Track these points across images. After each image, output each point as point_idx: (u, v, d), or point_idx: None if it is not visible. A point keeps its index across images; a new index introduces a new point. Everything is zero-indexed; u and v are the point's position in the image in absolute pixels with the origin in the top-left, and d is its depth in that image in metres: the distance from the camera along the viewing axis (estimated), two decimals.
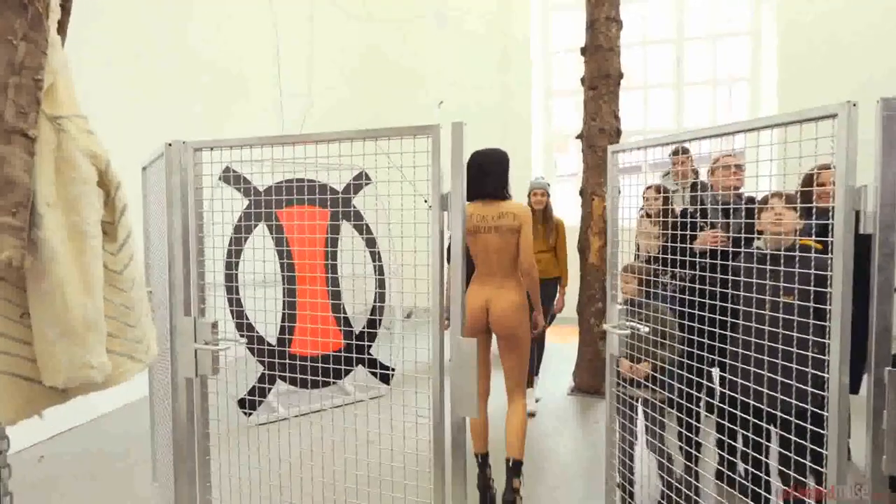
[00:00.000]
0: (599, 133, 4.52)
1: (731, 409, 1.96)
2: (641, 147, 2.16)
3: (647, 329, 2.16)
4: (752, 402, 1.83)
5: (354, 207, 4.57)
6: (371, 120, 7.61)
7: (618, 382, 2.40)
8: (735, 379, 1.92)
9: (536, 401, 4.29)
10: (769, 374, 1.76)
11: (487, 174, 2.75)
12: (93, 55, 4.48)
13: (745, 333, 1.92)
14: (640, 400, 2.47)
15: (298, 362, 4.04)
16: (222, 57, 5.70)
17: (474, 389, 1.68)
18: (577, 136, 4.76)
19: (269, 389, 4.03)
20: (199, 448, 2.02)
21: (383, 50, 7.94)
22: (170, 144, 2.11)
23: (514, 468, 2.61)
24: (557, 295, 4.23)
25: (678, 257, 2.15)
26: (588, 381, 4.51)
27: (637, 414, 2.52)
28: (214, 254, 2.21)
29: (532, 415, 4.08)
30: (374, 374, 4.41)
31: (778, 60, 6.67)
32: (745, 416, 1.86)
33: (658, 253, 2.63)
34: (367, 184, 4.66)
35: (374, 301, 4.53)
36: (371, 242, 4.60)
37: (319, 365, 4.13)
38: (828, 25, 6.37)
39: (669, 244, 2.29)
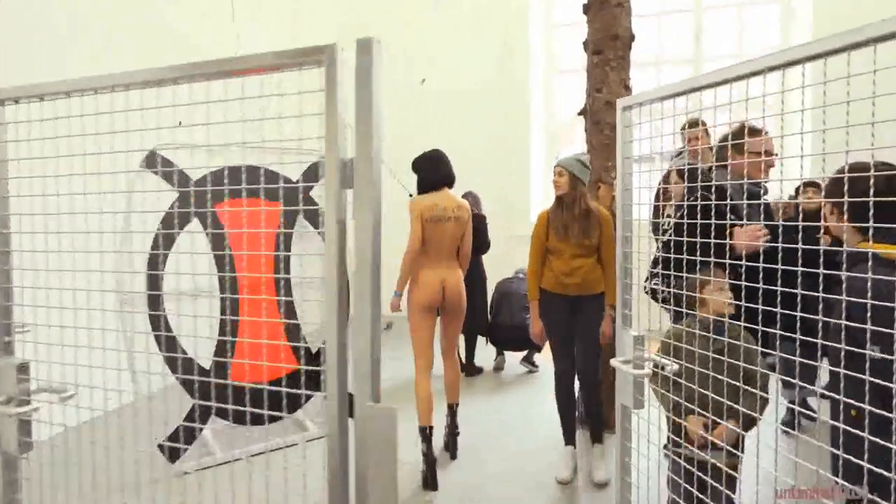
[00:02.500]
0: (606, 107, 3.85)
1: None
2: (668, 97, 1.51)
3: (675, 367, 1.49)
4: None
5: (311, 200, 3.93)
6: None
7: (675, 441, 1.73)
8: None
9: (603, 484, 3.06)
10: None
11: (447, 165, 3.35)
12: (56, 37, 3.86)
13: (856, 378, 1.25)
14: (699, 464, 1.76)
15: (248, 394, 3.40)
16: (180, 36, 5.05)
17: (393, 477, 1.04)
18: (580, 113, 4.10)
19: (201, 428, 3.37)
20: None
21: (366, 25, 7.27)
22: None
23: (454, 411, 3.38)
24: (604, 320, 3.06)
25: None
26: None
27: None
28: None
29: (605, 484, 3.05)
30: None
31: (813, 33, 5.99)
32: None
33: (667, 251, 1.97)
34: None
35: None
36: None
37: (258, 398, 3.49)
38: None
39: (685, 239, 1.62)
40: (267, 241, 3.79)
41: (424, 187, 3.30)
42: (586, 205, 3.05)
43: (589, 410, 3.23)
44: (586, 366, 3.09)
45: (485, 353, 4.96)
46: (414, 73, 6.51)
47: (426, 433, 3.10)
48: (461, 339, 4.70)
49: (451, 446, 3.36)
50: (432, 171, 3.30)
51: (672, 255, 2.06)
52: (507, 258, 5.51)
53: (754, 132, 2.31)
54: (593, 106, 3.93)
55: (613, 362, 1.57)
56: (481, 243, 4.74)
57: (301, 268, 3.98)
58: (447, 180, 3.32)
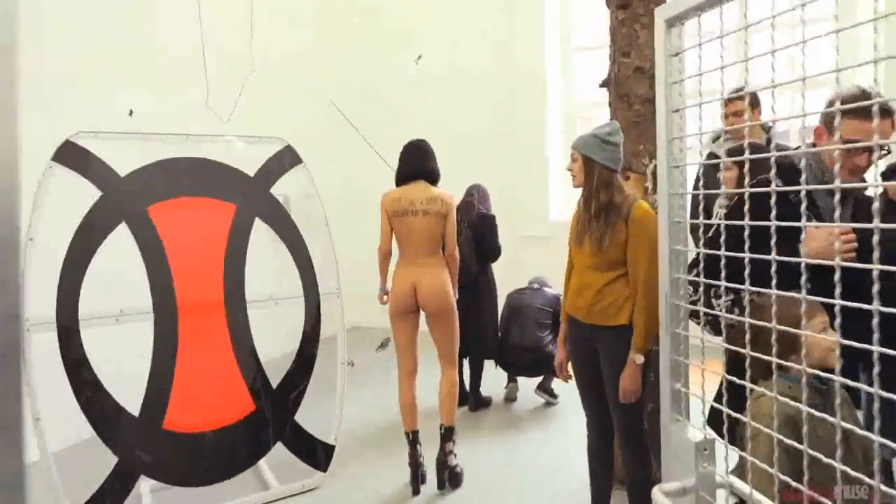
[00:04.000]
0: (636, 75, 3.14)
1: None
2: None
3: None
4: None
5: (271, 198, 3.30)
6: (339, 87, 6.33)
7: None
8: None
9: None
10: None
11: (427, 155, 3.16)
12: None
13: None
14: None
15: (194, 444, 2.77)
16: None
17: None
18: (602, 84, 3.39)
19: (129, 490, 2.74)
20: None
21: None
22: None
23: (447, 434, 3.05)
24: (626, 367, 2.19)
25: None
26: None
27: None
28: None
29: None
30: (301, 455, 3.09)
31: None
32: None
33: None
34: (292, 163, 3.38)
35: (303, 336, 3.24)
36: (297, 247, 3.30)
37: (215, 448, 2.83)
38: None
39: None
40: (214, 251, 3.17)
41: (397, 180, 3.13)
42: (607, 197, 2.26)
43: (629, 490, 2.34)
44: (618, 427, 2.31)
45: (495, 380, 4.27)
46: (410, 50, 5.83)
47: (409, 438, 3.06)
48: (465, 365, 4.06)
49: (445, 478, 2.99)
50: (405, 163, 3.13)
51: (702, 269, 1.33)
52: (519, 265, 4.80)
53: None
54: (619, 74, 3.22)
55: (657, 494, 0.86)
56: (489, 248, 4.08)
57: (259, 283, 3.37)
58: (421, 172, 3.09)
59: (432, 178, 3.11)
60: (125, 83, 4.32)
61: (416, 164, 3.09)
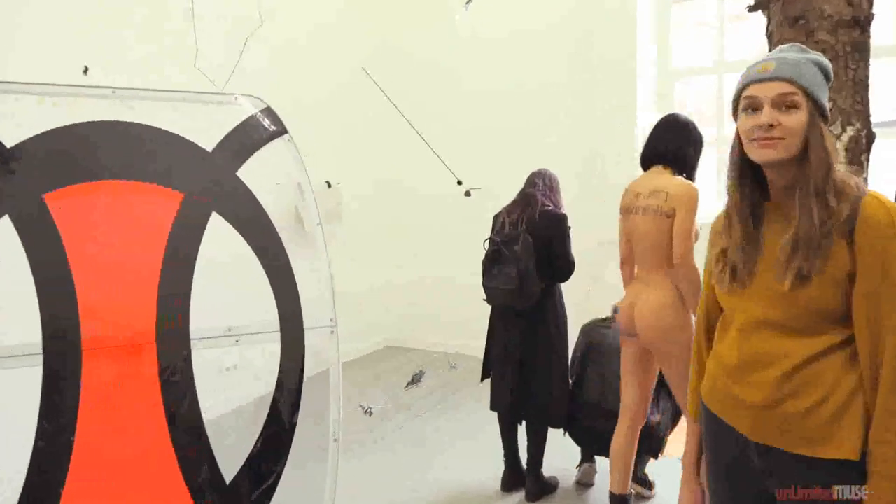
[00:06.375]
0: None
1: None
2: None
3: None
4: None
5: (238, 183, 2.41)
6: (373, 51, 5.44)
7: None
8: None
9: None
10: None
11: (669, 130, 2.65)
12: None
13: None
14: None
15: None
16: None
17: None
18: (753, 7, 2.27)
19: None
20: None
21: None
22: None
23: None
24: None
25: None
26: None
27: None
28: None
29: None
30: None
31: None
32: None
33: None
34: (272, 134, 2.48)
35: (278, 388, 2.33)
36: (274, 258, 2.39)
37: None
38: None
39: None
40: (145, 261, 2.29)
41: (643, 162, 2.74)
42: (838, 184, 1.23)
43: None
44: None
45: (563, 454, 3.20)
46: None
47: (611, 500, 2.65)
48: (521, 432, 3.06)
49: None
50: (645, 143, 2.71)
51: None
52: (600, 284, 3.71)
53: None
54: None
55: None
56: (558, 260, 3.05)
57: (213, 310, 2.45)
58: (656, 155, 2.62)
59: (672, 161, 2.56)
60: (86, 37, 3.57)
61: (650, 144, 2.64)
